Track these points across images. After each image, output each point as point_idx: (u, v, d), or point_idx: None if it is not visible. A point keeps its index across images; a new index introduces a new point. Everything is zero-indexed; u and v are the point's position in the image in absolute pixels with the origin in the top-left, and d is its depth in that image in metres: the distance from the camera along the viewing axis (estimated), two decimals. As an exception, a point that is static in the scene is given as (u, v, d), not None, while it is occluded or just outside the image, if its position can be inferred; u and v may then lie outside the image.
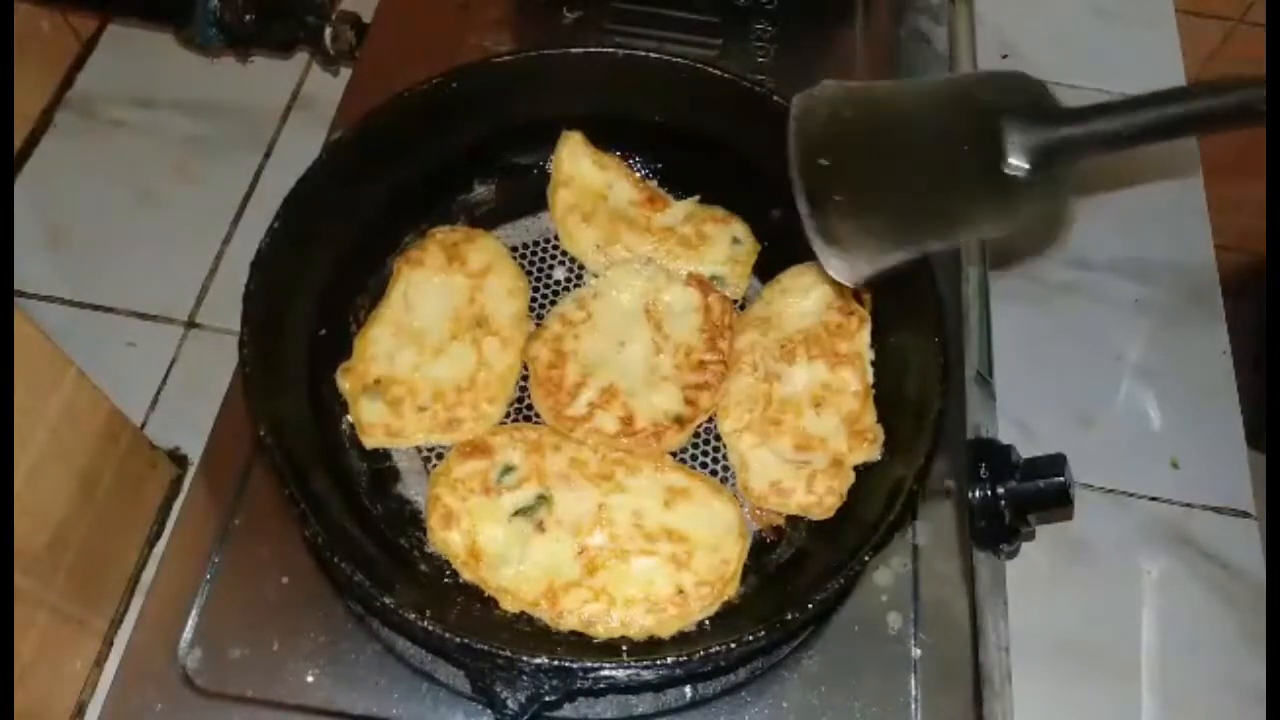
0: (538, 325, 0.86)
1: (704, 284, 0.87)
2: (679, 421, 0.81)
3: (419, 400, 0.81)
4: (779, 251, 0.90)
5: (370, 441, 0.80)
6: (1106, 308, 1.02)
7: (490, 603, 0.74)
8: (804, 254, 0.84)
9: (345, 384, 0.82)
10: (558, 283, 0.90)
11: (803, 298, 0.86)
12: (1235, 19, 1.42)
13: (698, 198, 0.92)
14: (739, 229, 0.91)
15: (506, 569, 0.74)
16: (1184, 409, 0.96)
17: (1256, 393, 1.02)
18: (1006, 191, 0.55)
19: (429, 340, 0.84)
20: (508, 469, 0.78)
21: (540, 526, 0.75)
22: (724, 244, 0.90)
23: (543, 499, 0.77)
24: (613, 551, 0.75)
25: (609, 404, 0.81)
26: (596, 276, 0.89)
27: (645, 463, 0.79)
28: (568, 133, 0.92)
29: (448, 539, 0.75)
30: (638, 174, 0.94)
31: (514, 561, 0.74)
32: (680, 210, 0.91)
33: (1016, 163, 0.54)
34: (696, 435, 0.83)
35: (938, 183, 0.57)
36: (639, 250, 0.89)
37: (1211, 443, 0.95)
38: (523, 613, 0.73)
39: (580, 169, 0.92)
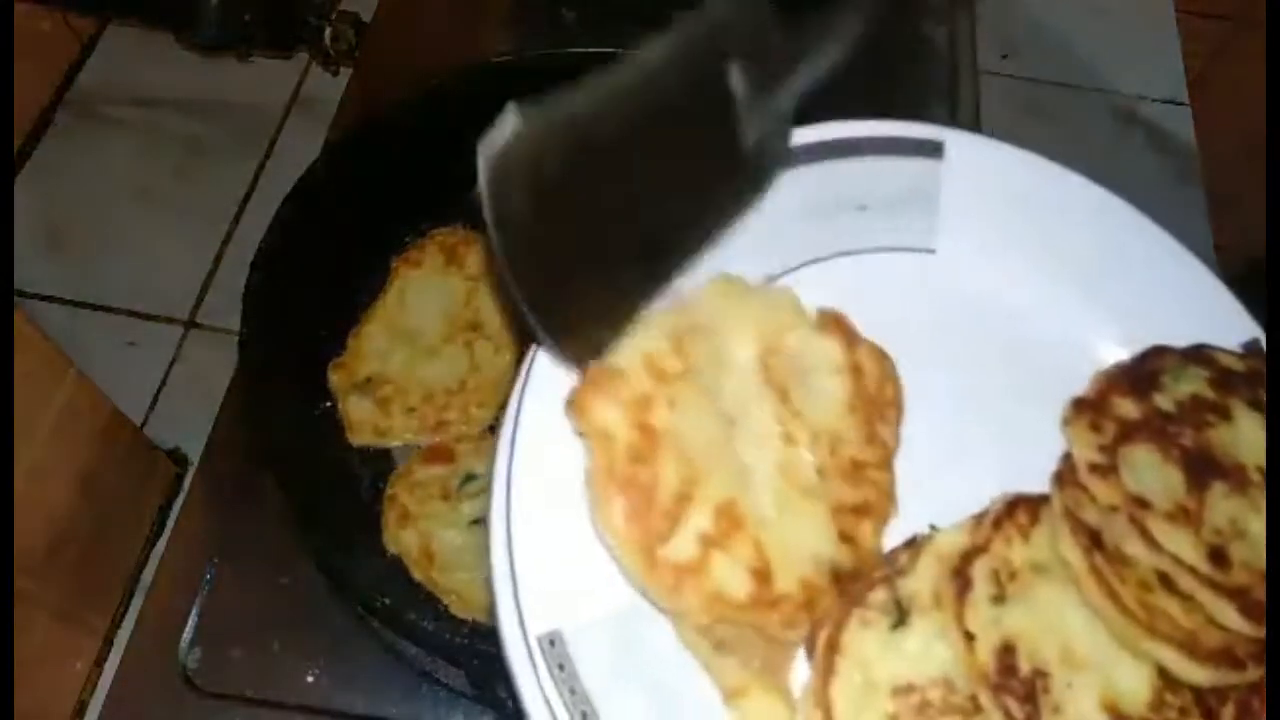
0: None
1: (844, 327, 0.51)
2: (835, 577, 0.47)
3: (409, 401, 0.81)
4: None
5: (358, 439, 0.80)
6: (1106, 308, 1.02)
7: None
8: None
9: (335, 380, 0.82)
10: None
11: None
12: (1235, 19, 1.42)
13: None
14: None
15: (460, 574, 0.74)
16: (1184, 409, 0.96)
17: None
18: (753, 171, 0.51)
19: (422, 341, 0.84)
20: (470, 477, 0.78)
21: None
22: None
23: None
24: None
25: (730, 537, 0.45)
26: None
27: None
28: None
29: (401, 538, 0.75)
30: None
31: (468, 568, 0.74)
32: None
33: (757, 144, 0.50)
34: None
35: (679, 201, 0.49)
36: None
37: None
38: (472, 618, 0.73)
39: None
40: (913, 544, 0.46)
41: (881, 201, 0.55)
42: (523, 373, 0.46)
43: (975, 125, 1.10)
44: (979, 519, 0.46)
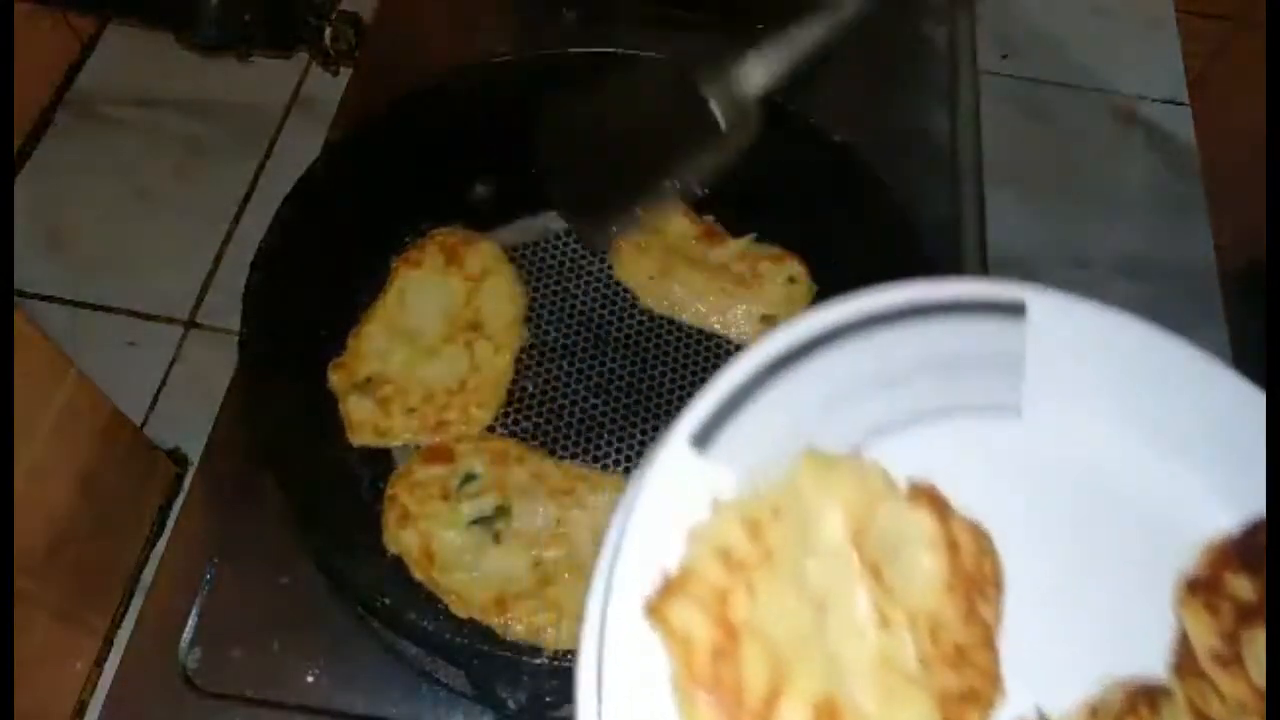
0: (533, 330, 0.85)
1: (937, 500, 0.48)
2: None
3: (409, 401, 0.81)
4: (835, 297, 0.88)
5: (358, 439, 0.80)
6: (1106, 308, 1.02)
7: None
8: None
9: (335, 379, 0.82)
10: (557, 284, 0.90)
11: None
12: (1235, 19, 1.42)
13: (754, 235, 0.91)
14: (795, 268, 0.89)
15: (460, 574, 0.74)
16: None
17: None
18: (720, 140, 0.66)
19: (422, 341, 0.84)
20: (469, 477, 0.77)
21: (497, 537, 0.75)
22: (779, 283, 0.88)
23: (502, 510, 0.76)
24: (568, 566, 0.74)
25: None
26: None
27: (609, 481, 0.78)
28: None
29: (401, 537, 0.75)
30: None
31: (468, 568, 0.74)
32: (735, 247, 0.90)
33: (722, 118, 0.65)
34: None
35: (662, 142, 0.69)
36: (693, 285, 0.88)
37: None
38: (471, 618, 0.73)
39: None
40: None
41: (964, 364, 0.53)
42: (600, 584, 0.44)
43: (975, 125, 1.10)
44: (1095, 711, 0.43)
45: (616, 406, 0.84)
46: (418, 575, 0.74)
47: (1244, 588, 0.44)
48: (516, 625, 0.72)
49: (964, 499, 0.48)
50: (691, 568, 0.43)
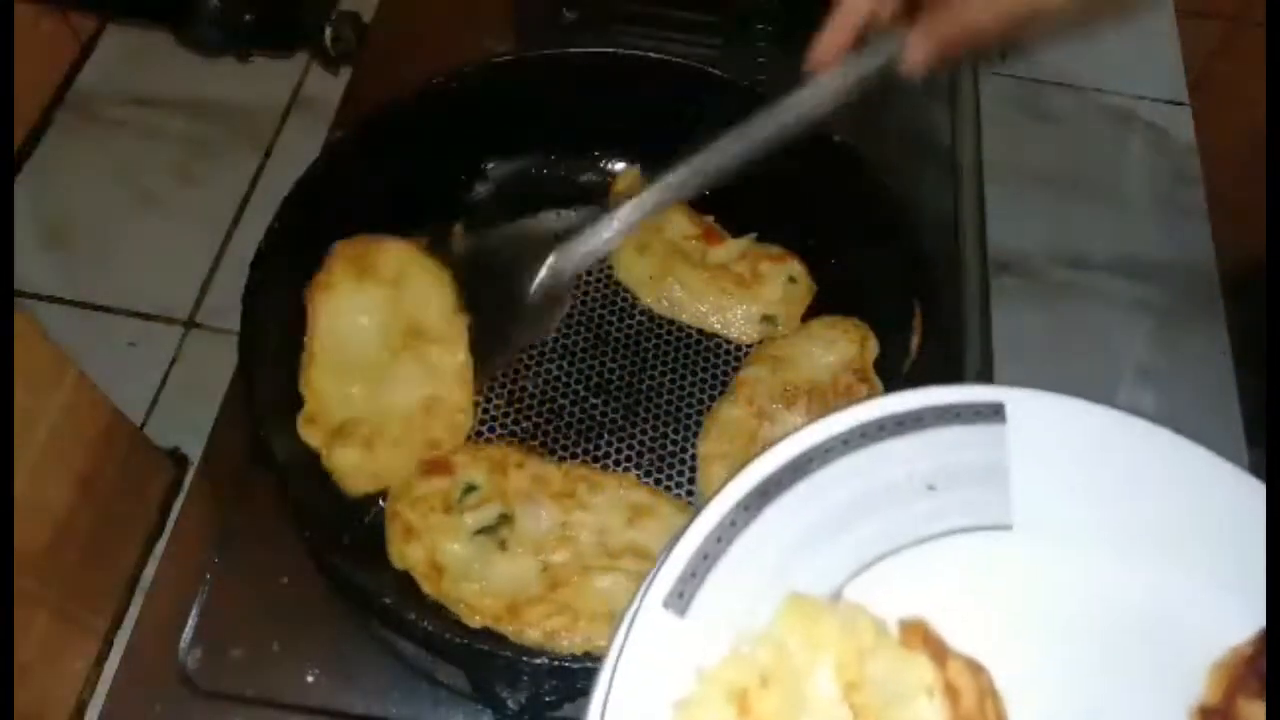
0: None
1: (932, 641, 0.47)
2: None
3: (391, 435, 0.77)
4: (835, 297, 0.88)
5: (356, 489, 0.77)
6: (1106, 308, 1.02)
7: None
8: (853, 306, 0.86)
9: (310, 435, 0.77)
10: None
11: (825, 350, 0.83)
12: (1235, 19, 1.42)
13: (754, 235, 0.91)
14: (795, 268, 0.89)
15: (468, 584, 0.73)
16: (1184, 409, 0.96)
17: (1256, 393, 1.02)
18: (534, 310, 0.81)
19: (371, 367, 0.79)
20: (470, 488, 0.77)
21: (502, 545, 0.74)
22: (778, 283, 0.88)
23: (505, 518, 0.75)
24: (576, 568, 0.73)
25: None
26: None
27: (609, 480, 0.78)
28: (627, 170, 0.93)
29: (407, 554, 0.74)
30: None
31: (475, 578, 0.73)
32: (735, 247, 0.90)
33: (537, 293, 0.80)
34: (662, 452, 0.82)
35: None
36: (693, 285, 0.88)
37: (1211, 443, 0.94)
38: (485, 627, 0.73)
39: None
40: None
41: (948, 477, 0.51)
42: None
43: (975, 125, 1.10)
44: None
45: (616, 406, 0.84)
46: (427, 589, 0.73)
47: (1257, 714, 0.43)
48: (531, 631, 0.71)
49: (959, 631, 0.47)
50: (694, 700, 0.42)
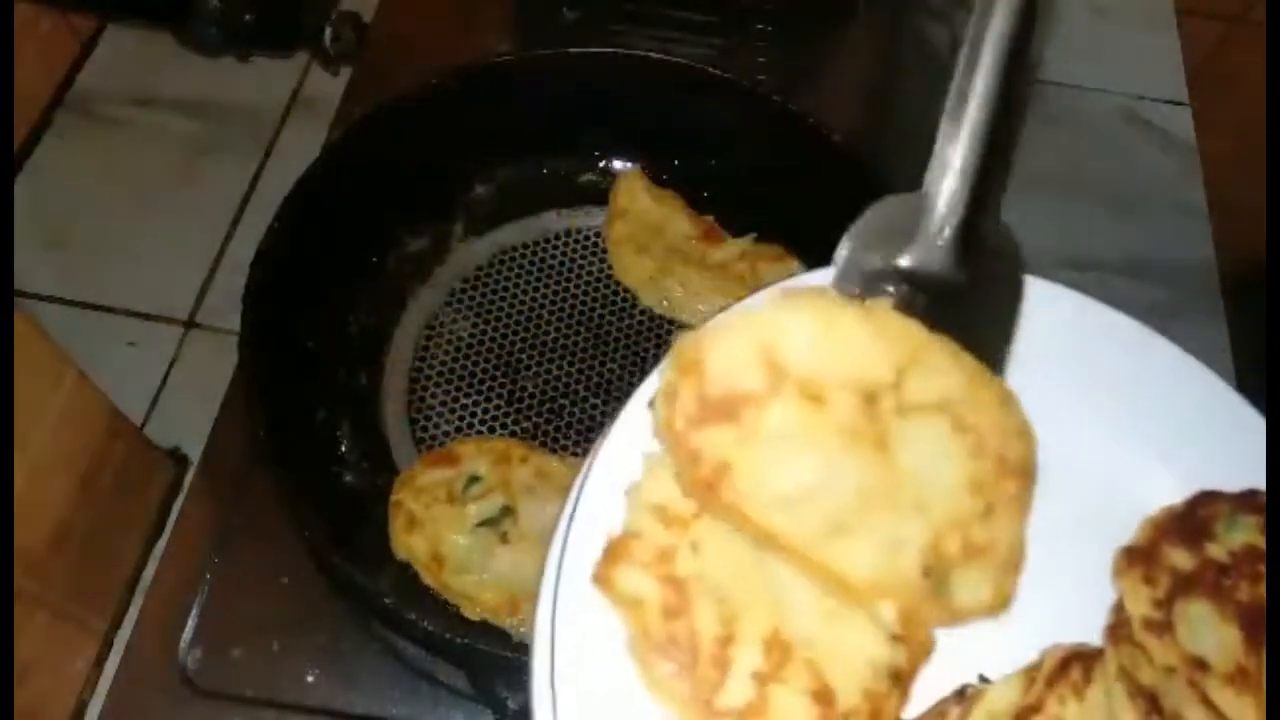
0: (532, 330, 0.84)
1: None
2: (896, 678, 0.46)
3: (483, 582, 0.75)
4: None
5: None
6: (1106, 308, 1.02)
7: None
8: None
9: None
10: (557, 284, 0.90)
11: None
12: (1235, 19, 1.42)
13: (754, 235, 0.91)
14: (795, 268, 0.89)
15: (469, 576, 0.74)
16: (1184, 409, 0.96)
17: (1257, 393, 1.02)
18: None
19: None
20: (473, 479, 0.77)
21: (504, 538, 0.75)
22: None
23: (508, 510, 0.76)
24: None
25: (784, 668, 0.45)
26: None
27: None
28: (628, 170, 0.93)
29: (409, 543, 0.75)
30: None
31: (476, 570, 0.74)
32: (735, 247, 0.90)
33: None
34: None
35: None
36: (693, 285, 0.88)
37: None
38: (484, 620, 0.73)
39: (637, 203, 0.91)
40: (962, 695, 0.44)
41: None
42: (554, 554, 0.44)
43: (975, 125, 1.10)
44: (1032, 674, 0.43)
45: (616, 406, 0.84)
46: (427, 580, 0.74)
47: (1182, 559, 0.44)
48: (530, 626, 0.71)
49: None
50: (632, 530, 0.43)
